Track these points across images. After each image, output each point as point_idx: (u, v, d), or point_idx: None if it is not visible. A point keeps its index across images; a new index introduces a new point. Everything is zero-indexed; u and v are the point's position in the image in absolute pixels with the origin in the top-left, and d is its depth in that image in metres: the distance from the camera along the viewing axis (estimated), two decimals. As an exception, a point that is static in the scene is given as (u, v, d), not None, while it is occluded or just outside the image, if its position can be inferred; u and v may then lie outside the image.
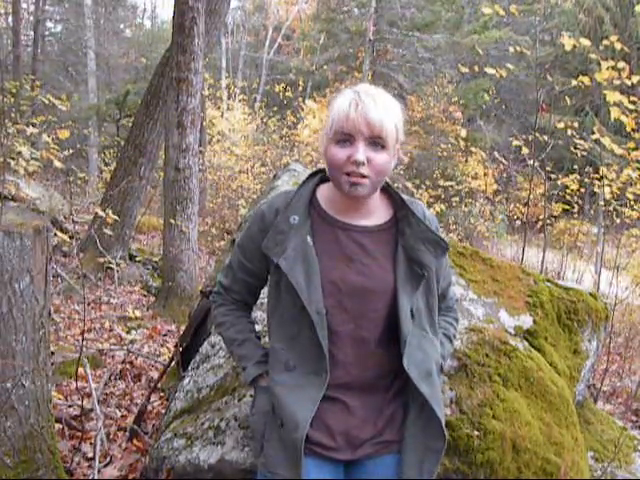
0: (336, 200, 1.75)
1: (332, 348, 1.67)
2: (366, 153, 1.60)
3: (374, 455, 1.70)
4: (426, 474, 1.67)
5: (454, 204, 15.27)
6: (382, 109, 1.61)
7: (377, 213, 1.77)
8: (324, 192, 1.79)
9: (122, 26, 34.62)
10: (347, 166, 1.61)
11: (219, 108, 21.22)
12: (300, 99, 20.84)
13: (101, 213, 5.80)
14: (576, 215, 10.20)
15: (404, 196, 1.80)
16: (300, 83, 23.99)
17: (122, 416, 3.47)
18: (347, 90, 1.68)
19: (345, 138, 1.61)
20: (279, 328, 1.76)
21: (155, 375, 4.12)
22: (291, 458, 1.62)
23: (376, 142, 1.61)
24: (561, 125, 5.65)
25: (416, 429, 1.69)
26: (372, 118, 1.58)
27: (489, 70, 5.13)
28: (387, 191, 1.81)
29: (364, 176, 1.61)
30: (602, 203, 6.91)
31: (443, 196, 14.76)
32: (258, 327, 2.40)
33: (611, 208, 6.77)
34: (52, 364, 3.58)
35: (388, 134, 1.61)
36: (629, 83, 4.69)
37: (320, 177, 1.82)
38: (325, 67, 25.44)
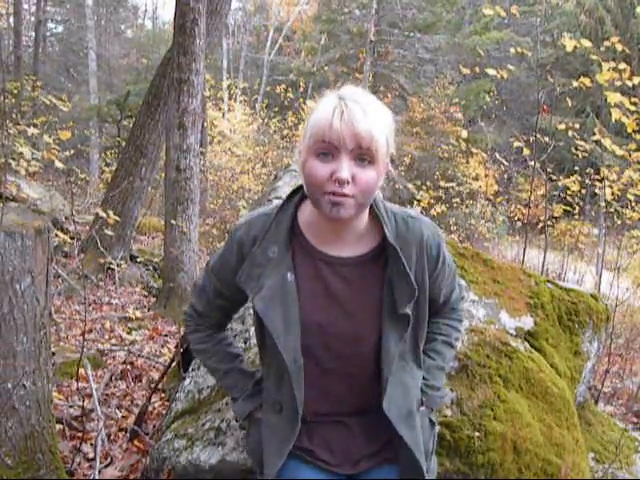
0: (317, 225, 1.56)
1: (322, 384, 1.59)
2: (351, 169, 1.39)
3: (374, 467, 1.66)
4: None
5: (455, 205, 15.29)
6: (372, 118, 1.40)
7: (365, 239, 1.58)
8: (305, 214, 1.59)
9: (123, 27, 34.73)
10: (329, 185, 1.40)
11: (220, 109, 21.29)
12: (301, 100, 20.86)
13: (102, 214, 5.80)
14: (577, 216, 10.21)
15: (396, 210, 1.61)
16: (301, 84, 24.06)
17: (123, 417, 3.46)
18: (330, 94, 1.47)
19: (327, 150, 1.40)
20: (269, 367, 1.66)
21: (156, 376, 4.11)
22: None
23: (363, 156, 1.40)
24: (562, 126, 5.65)
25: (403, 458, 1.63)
26: (360, 129, 1.37)
27: (490, 71, 5.13)
28: (375, 212, 1.57)
29: (347, 196, 1.40)
30: (603, 204, 6.91)
31: (444, 197, 14.76)
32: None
33: (612, 209, 6.77)
34: (53, 365, 3.57)
35: (378, 148, 1.40)
36: (630, 84, 4.69)
37: (301, 194, 1.60)
38: (326, 68, 25.44)
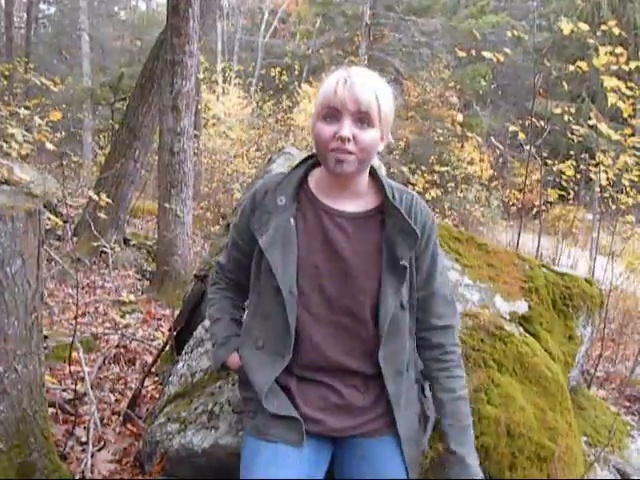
0: (324, 181, 1.76)
1: (308, 330, 1.71)
2: (352, 130, 1.60)
3: (370, 435, 1.73)
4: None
5: (450, 189, 15.25)
6: (370, 87, 1.61)
7: (365, 198, 1.77)
8: (316, 174, 1.80)
9: (116, 8, 34.43)
10: (333, 142, 1.61)
11: (214, 92, 21.12)
12: (296, 83, 20.74)
13: (95, 197, 5.77)
14: (571, 201, 10.20)
15: (393, 184, 1.79)
16: (296, 67, 23.86)
17: (116, 400, 3.46)
18: (339, 69, 1.68)
19: (332, 114, 1.62)
20: (255, 306, 1.81)
21: (149, 359, 4.11)
22: (284, 424, 1.69)
23: (362, 119, 1.61)
24: (558, 111, 5.63)
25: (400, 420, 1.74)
26: (359, 94, 1.58)
27: (486, 54, 5.09)
28: (376, 178, 1.79)
29: (349, 152, 1.61)
30: (598, 189, 6.90)
31: (439, 181, 14.71)
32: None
33: (607, 195, 6.77)
34: (45, 348, 3.56)
35: (375, 111, 1.61)
36: (626, 69, 4.66)
37: (314, 160, 1.81)
38: (321, 51, 25.30)
